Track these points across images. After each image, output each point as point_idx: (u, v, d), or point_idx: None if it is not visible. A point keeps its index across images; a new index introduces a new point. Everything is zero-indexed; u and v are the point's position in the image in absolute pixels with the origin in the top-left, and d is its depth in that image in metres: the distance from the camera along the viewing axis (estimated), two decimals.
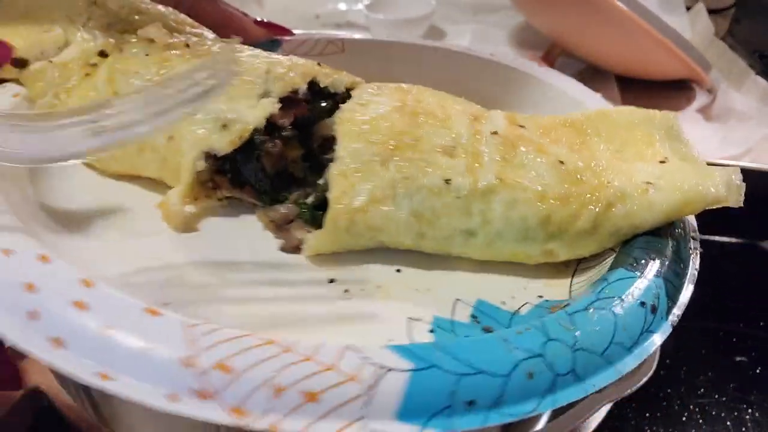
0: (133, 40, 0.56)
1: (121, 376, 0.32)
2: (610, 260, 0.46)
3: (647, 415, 0.53)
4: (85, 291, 0.35)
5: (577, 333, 0.37)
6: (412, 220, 0.45)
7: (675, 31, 0.95)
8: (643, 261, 0.43)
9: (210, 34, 0.60)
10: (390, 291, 0.45)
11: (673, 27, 0.95)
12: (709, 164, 0.50)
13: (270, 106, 0.50)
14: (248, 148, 0.50)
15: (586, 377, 0.36)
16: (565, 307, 0.41)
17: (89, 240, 0.47)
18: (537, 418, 0.54)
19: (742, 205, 0.45)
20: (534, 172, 0.46)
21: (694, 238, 0.47)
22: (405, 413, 0.32)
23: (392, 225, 0.45)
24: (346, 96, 0.53)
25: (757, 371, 0.57)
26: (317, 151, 0.53)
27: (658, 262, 0.43)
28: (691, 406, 0.54)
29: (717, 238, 0.75)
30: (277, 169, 0.52)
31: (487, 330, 0.42)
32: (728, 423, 0.52)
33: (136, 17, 0.60)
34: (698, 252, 0.46)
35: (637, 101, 1.03)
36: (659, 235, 0.46)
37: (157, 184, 0.53)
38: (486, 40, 1.21)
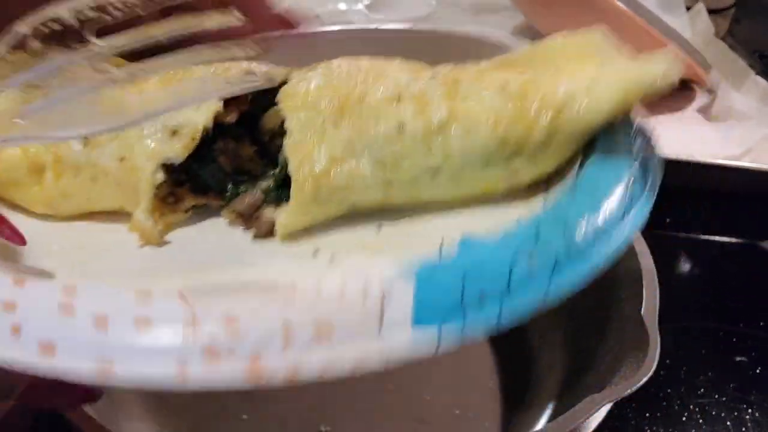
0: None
1: (124, 363, 0.32)
2: (575, 170, 0.46)
3: (647, 415, 0.53)
4: (68, 293, 0.34)
5: (566, 218, 0.38)
6: (376, 170, 0.46)
7: (675, 31, 0.95)
8: (606, 149, 0.44)
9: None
10: (375, 246, 0.45)
11: (673, 27, 0.95)
12: (676, 163, 0.52)
13: (214, 105, 0.49)
14: (202, 152, 0.49)
15: (585, 256, 0.37)
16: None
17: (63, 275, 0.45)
18: (536, 418, 0.54)
19: (676, 83, 0.46)
20: (481, 99, 0.46)
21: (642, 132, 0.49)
22: (420, 318, 0.33)
23: (358, 181, 0.46)
24: (283, 85, 0.53)
25: (757, 371, 0.57)
26: (269, 144, 0.53)
27: (622, 147, 0.44)
28: (691, 406, 0.54)
29: (717, 238, 0.75)
30: (234, 167, 0.52)
31: None
32: (728, 423, 0.52)
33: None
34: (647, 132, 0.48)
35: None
36: (616, 127, 0.47)
37: (117, 217, 0.52)
38: None
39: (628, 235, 0.39)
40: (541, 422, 0.53)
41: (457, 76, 0.49)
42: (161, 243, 0.49)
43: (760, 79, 1.02)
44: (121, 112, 0.49)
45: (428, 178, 0.47)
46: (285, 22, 0.65)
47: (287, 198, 0.47)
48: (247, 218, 0.50)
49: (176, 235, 0.52)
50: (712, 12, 1.20)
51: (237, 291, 0.34)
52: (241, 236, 0.50)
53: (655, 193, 0.42)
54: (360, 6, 1.22)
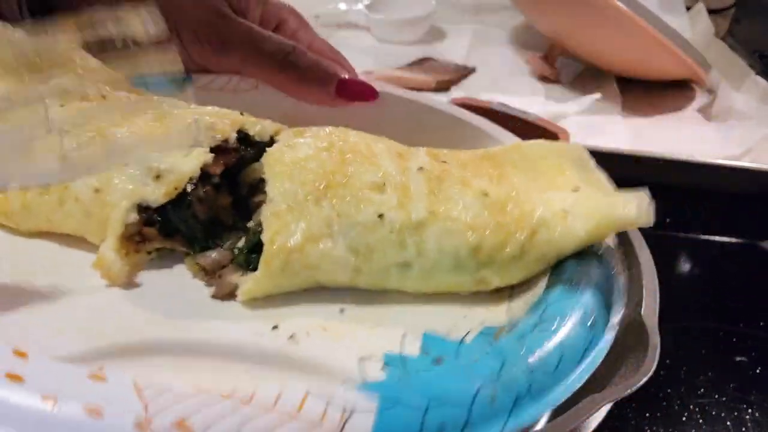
0: (47, 88, 0.53)
1: None
2: (542, 282, 0.48)
3: (647, 415, 0.53)
4: (19, 362, 0.33)
5: (530, 353, 0.39)
6: (348, 256, 0.46)
7: (675, 31, 0.95)
8: (575, 280, 0.46)
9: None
10: (336, 331, 0.45)
11: (673, 27, 0.95)
12: (676, 163, 0.53)
13: (203, 156, 0.49)
14: (179, 197, 0.49)
15: (544, 395, 0.38)
16: (507, 330, 0.43)
17: (15, 312, 0.45)
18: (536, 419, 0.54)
19: (652, 224, 0.47)
20: (461, 204, 0.47)
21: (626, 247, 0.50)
22: None
23: (328, 262, 0.46)
24: (270, 143, 0.53)
25: (757, 371, 0.57)
26: (245, 197, 0.53)
27: (590, 277, 0.46)
28: (691, 406, 0.54)
29: (717, 238, 0.75)
30: (208, 216, 0.51)
31: (438, 360, 0.43)
32: (728, 423, 0.52)
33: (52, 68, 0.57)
34: (639, 252, 0.49)
35: (637, 101, 1.04)
36: (588, 251, 0.48)
37: (72, 240, 0.51)
38: (486, 41, 1.21)
39: (585, 375, 0.40)
40: (541, 422, 0.53)
41: (441, 174, 0.50)
42: (125, 285, 0.48)
43: (760, 79, 1.02)
44: (104, 145, 0.49)
45: (397, 271, 0.47)
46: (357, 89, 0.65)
47: (254, 263, 0.47)
48: (210, 274, 0.49)
49: (135, 277, 0.50)
50: (712, 12, 1.21)
51: (193, 394, 0.33)
52: (201, 289, 0.49)
53: (614, 334, 0.43)
54: (360, 6, 1.22)
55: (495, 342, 0.42)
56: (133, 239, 0.50)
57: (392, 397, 0.34)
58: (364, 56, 1.13)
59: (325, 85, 0.62)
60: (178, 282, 0.50)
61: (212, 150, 0.50)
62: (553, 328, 0.41)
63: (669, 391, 0.55)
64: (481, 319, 0.47)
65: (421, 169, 0.50)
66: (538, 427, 0.52)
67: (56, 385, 0.32)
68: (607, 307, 0.45)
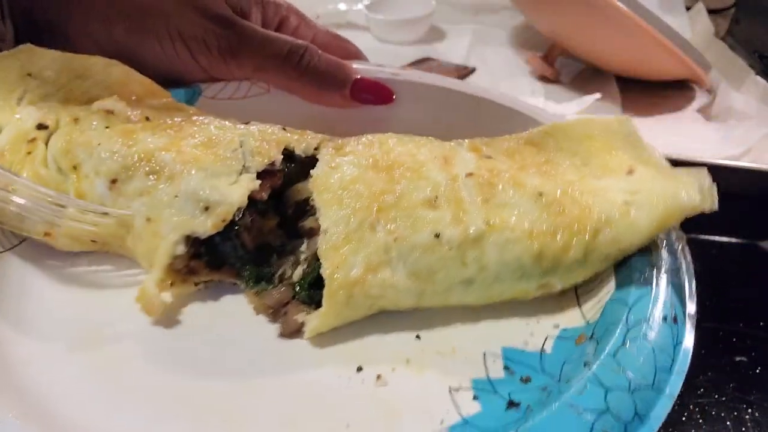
0: (91, 111, 0.53)
1: None
2: (611, 279, 0.47)
3: None
4: None
5: (628, 373, 0.38)
6: (410, 281, 0.45)
7: (675, 31, 0.95)
8: (647, 273, 0.44)
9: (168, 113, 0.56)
10: (420, 363, 0.44)
11: (673, 27, 0.95)
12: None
13: (251, 183, 0.48)
14: (227, 227, 0.48)
15: (648, 414, 0.37)
16: (590, 338, 0.42)
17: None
18: None
19: (716, 208, 0.46)
20: (517, 210, 0.46)
21: (674, 228, 0.49)
22: None
23: (391, 290, 0.45)
24: (314, 157, 0.52)
25: (757, 371, 0.57)
26: (292, 217, 0.52)
27: (660, 269, 0.45)
28: (691, 406, 0.54)
29: (717, 238, 0.75)
30: (257, 243, 0.50)
31: (526, 380, 0.43)
32: (728, 423, 0.52)
33: (78, 82, 0.57)
34: (685, 240, 0.48)
35: (637, 101, 1.04)
36: (651, 243, 0.47)
37: (124, 263, 0.50)
38: (486, 41, 1.21)
39: (680, 380, 0.39)
40: None
41: (491, 177, 0.48)
42: (162, 316, 0.47)
43: (760, 79, 1.02)
44: (151, 167, 0.48)
45: (461, 288, 0.47)
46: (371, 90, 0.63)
47: (317, 297, 0.46)
48: (275, 312, 0.48)
49: (189, 314, 0.48)
50: (712, 12, 1.20)
51: None
52: (263, 327, 0.47)
53: (694, 324, 0.42)
54: (360, 6, 1.22)
55: (578, 349, 0.42)
56: (181, 271, 0.49)
57: None
58: None
59: (339, 88, 0.61)
60: (234, 318, 0.48)
61: (259, 174, 0.49)
62: (641, 337, 0.40)
63: None
64: (554, 322, 0.47)
65: (470, 175, 0.48)
66: None
67: None
68: (681, 298, 0.44)
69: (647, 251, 0.47)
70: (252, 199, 0.49)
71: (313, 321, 0.45)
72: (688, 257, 0.47)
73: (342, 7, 1.29)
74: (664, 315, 0.41)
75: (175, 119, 0.54)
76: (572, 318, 0.47)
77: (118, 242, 0.50)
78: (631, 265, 0.46)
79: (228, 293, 0.50)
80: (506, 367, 0.44)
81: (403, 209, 0.46)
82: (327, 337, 0.46)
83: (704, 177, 0.47)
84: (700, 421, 0.53)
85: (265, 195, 0.50)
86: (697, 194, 0.46)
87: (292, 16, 0.70)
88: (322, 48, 0.63)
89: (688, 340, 0.41)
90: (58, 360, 0.44)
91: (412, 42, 1.19)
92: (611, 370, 0.38)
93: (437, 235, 0.45)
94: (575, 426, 0.36)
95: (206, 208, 0.47)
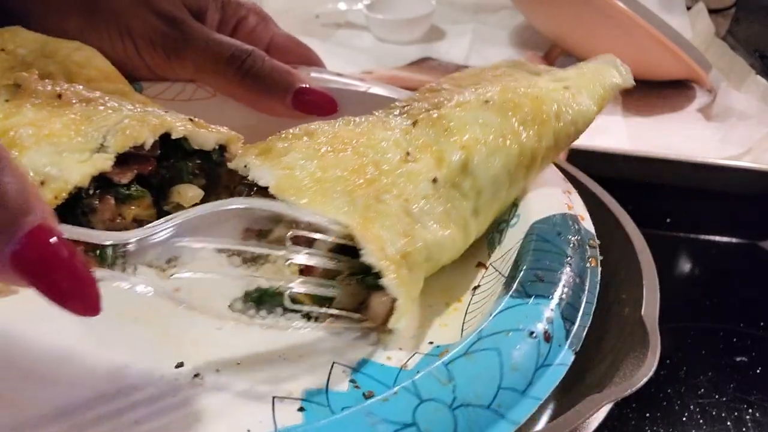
0: (4, 84, 0.52)
1: None
2: (496, 289, 0.43)
3: (647, 415, 0.53)
4: None
5: (455, 387, 0.32)
6: (440, 230, 0.44)
7: (675, 31, 0.95)
8: (530, 283, 0.39)
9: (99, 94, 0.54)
10: (252, 368, 0.40)
11: (673, 27, 0.95)
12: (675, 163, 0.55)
13: (102, 163, 0.45)
14: (71, 205, 0.45)
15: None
16: (451, 350, 0.36)
17: None
18: (536, 418, 0.54)
19: (633, 83, 0.55)
20: (477, 123, 0.47)
21: (592, 246, 0.45)
22: None
23: (435, 247, 0.44)
24: (219, 153, 0.50)
25: (757, 371, 0.57)
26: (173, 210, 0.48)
27: (548, 282, 0.40)
28: (691, 406, 0.54)
29: (717, 238, 0.75)
30: (111, 229, 0.47)
31: (369, 396, 0.38)
32: (728, 423, 0.52)
33: (42, 60, 0.57)
34: (598, 260, 0.44)
35: (637, 101, 1.04)
36: (550, 251, 0.43)
37: None
38: (486, 40, 1.21)
39: (527, 410, 0.33)
40: (541, 422, 0.53)
41: (434, 114, 0.49)
42: (9, 294, 0.43)
43: (760, 79, 1.02)
44: (5, 140, 0.45)
45: (473, 221, 0.46)
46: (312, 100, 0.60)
47: (372, 281, 0.41)
48: (355, 311, 0.43)
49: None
50: (712, 12, 1.20)
51: None
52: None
53: (575, 348, 0.37)
54: (360, 6, 1.22)
55: (421, 372, 0.35)
56: None
57: None
58: (364, 56, 1.13)
59: (281, 95, 0.59)
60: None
61: (124, 156, 0.46)
62: (491, 348, 0.34)
63: (669, 391, 0.55)
64: (431, 337, 0.43)
65: (416, 123, 0.48)
66: (538, 427, 0.51)
67: None
68: (568, 316, 0.38)
69: (543, 259, 0.42)
70: (108, 180, 0.46)
71: (401, 306, 0.41)
72: (596, 277, 0.43)
73: (342, 6, 1.29)
74: (531, 330, 0.36)
75: (86, 98, 0.52)
76: (450, 335, 0.43)
77: None
78: (515, 274, 0.41)
79: None
80: (352, 380, 0.39)
81: (391, 174, 0.45)
82: (162, 331, 0.42)
83: (614, 60, 0.55)
84: (701, 421, 0.53)
85: (124, 179, 0.47)
86: (618, 75, 0.54)
87: (251, 16, 0.68)
88: (278, 51, 0.62)
89: (560, 363, 0.36)
90: None
91: (412, 42, 1.19)
92: (436, 380, 0.33)
93: (434, 180, 0.45)
94: None
95: (42, 183, 0.44)
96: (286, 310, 0.43)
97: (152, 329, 0.43)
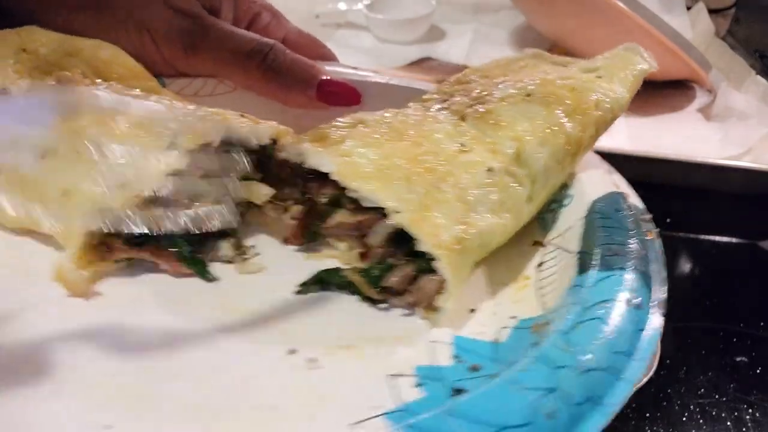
0: (44, 82, 0.53)
1: None
2: (571, 269, 0.45)
3: (647, 415, 0.53)
4: None
5: (579, 354, 0.35)
6: (493, 218, 0.45)
7: (675, 31, 0.95)
8: (608, 257, 0.43)
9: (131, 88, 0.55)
10: (359, 349, 0.42)
11: (673, 27, 0.95)
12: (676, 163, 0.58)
13: (175, 161, 0.46)
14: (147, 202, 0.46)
15: (602, 398, 0.34)
16: (546, 324, 0.40)
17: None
18: None
19: (657, 66, 0.57)
20: (523, 117, 0.50)
21: (645, 220, 0.49)
22: None
23: (488, 235, 0.45)
24: (271, 147, 0.51)
25: (757, 371, 0.57)
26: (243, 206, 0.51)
27: (622, 255, 0.43)
28: (691, 406, 0.54)
29: (717, 238, 0.75)
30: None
31: (475, 368, 0.40)
32: (728, 423, 0.52)
33: (68, 59, 0.57)
34: (656, 233, 0.48)
35: (637, 101, 1.03)
36: (615, 227, 0.47)
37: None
38: (486, 40, 1.21)
39: (641, 367, 0.36)
40: None
41: (480, 108, 0.51)
42: (89, 295, 0.45)
43: (760, 79, 1.02)
44: (76, 142, 0.47)
45: (527, 207, 0.49)
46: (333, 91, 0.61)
47: (425, 264, 0.44)
48: (400, 293, 0.46)
49: (110, 294, 0.45)
50: (712, 12, 1.20)
51: None
52: (189, 309, 0.44)
53: (663, 313, 0.40)
54: (360, 6, 1.22)
55: (534, 336, 0.39)
56: (99, 249, 0.47)
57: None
58: (364, 56, 1.13)
59: (304, 88, 0.59)
60: (154, 296, 0.45)
61: (192, 153, 0.47)
62: (597, 316, 0.38)
63: (669, 391, 0.55)
64: (511, 312, 0.45)
65: (463, 117, 0.51)
66: None
67: None
68: (648, 285, 0.42)
69: (612, 235, 0.46)
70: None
71: (451, 285, 0.43)
72: (658, 246, 0.46)
73: (342, 6, 1.29)
74: (627, 299, 0.39)
75: (132, 96, 0.53)
76: (530, 308, 0.45)
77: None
78: (593, 251, 0.45)
79: (149, 272, 0.48)
80: (455, 356, 0.42)
81: (448, 163, 0.47)
82: (262, 319, 0.44)
83: (636, 47, 0.57)
84: (701, 421, 0.53)
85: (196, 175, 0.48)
86: (643, 61, 0.56)
87: (264, 13, 0.69)
88: (292, 47, 0.62)
89: (653, 327, 0.39)
90: None
91: (412, 42, 1.19)
92: (560, 349, 0.36)
93: (490, 169, 0.47)
94: (515, 403, 0.32)
95: (122, 184, 0.45)
96: (343, 290, 0.47)
97: (245, 319, 0.45)
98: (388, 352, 0.42)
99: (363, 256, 0.49)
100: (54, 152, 0.48)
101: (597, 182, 0.53)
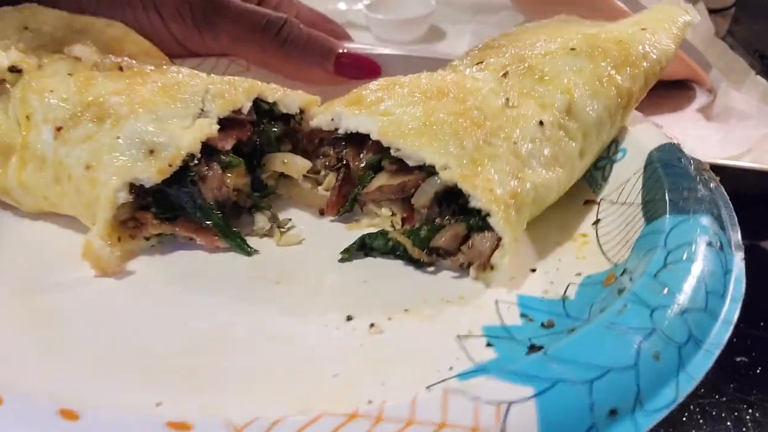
0: (58, 58, 0.51)
1: None
2: (630, 216, 0.45)
3: None
4: (71, 426, 0.28)
5: (672, 294, 0.34)
6: (547, 173, 0.44)
7: None
8: (681, 202, 0.42)
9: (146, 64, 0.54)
10: (421, 312, 0.41)
11: None
12: None
13: (207, 128, 0.44)
14: (180, 175, 0.44)
15: (704, 339, 0.33)
16: (620, 276, 0.39)
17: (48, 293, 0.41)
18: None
19: (699, 18, 0.57)
20: (569, 70, 0.49)
21: (705, 169, 0.49)
22: None
23: (542, 188, 0.44)
24: (299, 118, 0.49)
25: (757, 371, 0.57)
26: (267, 182, 0.49)
27: (693, 199, 0.42)
28: (691, 406, 0.54)
29: None
30: (218, 198, 0.45)
31: (549, 325, 0.39)
32: (728, 423, 0.52)
33: (75, 36, 0.55)
34: (717, 180, 0.47)
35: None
36: (680, 174, 0.46)
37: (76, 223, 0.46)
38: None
39: (737, 306, 0.36)
40: None
41: (522, 64, 0.50)
42: (120, 273, 0.43)
43: (760, 79, 1.02)
44: (97, 111, 0.45)
45: (579, 162, 0.48)
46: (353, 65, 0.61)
47: (477, 224, 0.43)
48: (451, 253, 0.44)
49: (146, 270, 0.44)
50: (712, 12, 1.20)
51: (310, 422, 0.27)
52: (235, 279, 0.43)
53: (743, 253, 0.39)
54: (360, 6, 1.22)
55: (606, 290, 0.37)
56: (127, 223, 0.44)
57: (548, 375, 0.29)
58: None
59: (322, 62, 0.58)
60: (198, 274, 0.43)
61: (223, 121, 0.45)
62: (684, 258, 0.36)
63: None
64: (576, 271, 0.44)
65: (506, 74, 0.49)
66: None
67: None
68: (723, 227, 0.41)
69: (678, 182, 0.45)
70: (213, 147, 0.45)
71: (507, 243, 0.42)
72: (723, 193, 0.45)
73: (342, 6, 1.29)
74: (708, 241, 0.38)
75: (149, 68, 0.51)
76: (595, 264, 0.44)
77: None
78: (663, 198, 0.43)
79: (182, 249, 0.46)
80: (523, 315, 0.40)
81: (496, 118, 0.45)
82: (310, 289, 0.43)
83: (676, 3, 0.60)
84: (701, 421, 0.53)
85: (227, 145, 0.45)
86: (684, 13, 0.56)
87: None
88: (305, 24, 0.61)
89: (738, 268, 0.38)
90: None
91: (411, 42, 1.18)
92: (653, 290, 0.34)
93: (541, 123, 0.45)
94: (618, 345, 0.31)
95: (151, 152, 0.43)
96: (387, 255, 0.46)
97: (292, 290, 0.43)
98: (451, 313, 0.41)
99: (405, 221, 0.47)
100: (71, 125, 0.45)
101: (650, 134, 0.52)
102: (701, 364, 0.32)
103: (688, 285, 0.35)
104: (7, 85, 0.50)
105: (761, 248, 0.74)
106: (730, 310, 0.35)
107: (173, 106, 0.45)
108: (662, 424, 0.53)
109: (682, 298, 0.34)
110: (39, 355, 0.36)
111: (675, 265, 0.36)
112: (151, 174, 0.42)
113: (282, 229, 0.49)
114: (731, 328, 0.34)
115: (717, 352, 0.33)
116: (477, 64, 0.53)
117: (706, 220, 0.40)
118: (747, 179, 0.76)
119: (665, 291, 0.34)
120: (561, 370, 0.29)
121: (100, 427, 0.27)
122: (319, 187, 0.51)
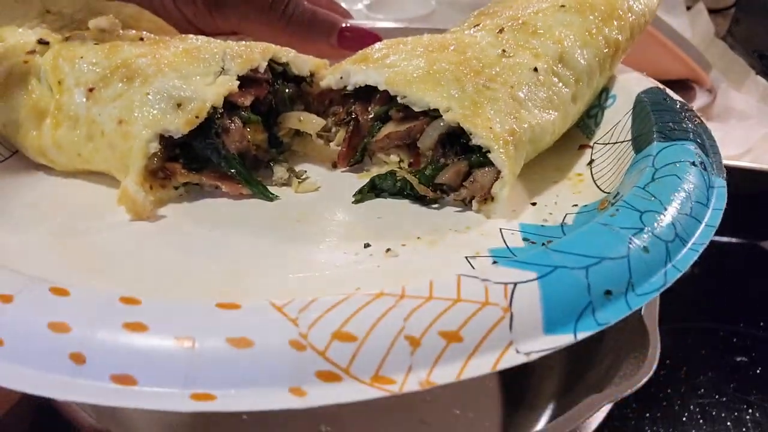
0: (84, 31, 0.54)
1: (226, 389, 0.28)
2: (621, 152, 0.48)
3: (647, 415, 0.53)
4: (132, 310, 0.30)
5: (661, 201, 0.38)
6: (543, 114, 0.47)
7: (675, 31, 0.94)
8: (668, 131, 0.46)
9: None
10: (431, 239, 0.44)
11: (673, 27, 0.95)
12: None
13: (229, 83, 0.48)
14: (204, 128, 0.47)
15: (689, 239, 0.37)
16: (615, 196, 0.42)
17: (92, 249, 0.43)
18: (536, 418, 0.54)
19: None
20: (560, 24, 0.52)
21: (690, 109, 0.53)
22: (551, 324, 0.31)
23: (538, 128, 0.47)
24: (310, 80, 0.53)
25: (757, 371, 0.57)
26: (278, 137, 0.53)
27: (680, 129, 0.47)
28: (691, 406, 0.54)
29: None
30: (240, 150, 0.49)
31: (548, 244, 0.40)
32: (728, 423, 0.52)
33: (94, 17, 0.57)
34: (702, 119, 0.51)
35: None
36: (666, 110, 0.50)
37: (109, 181, 0.50)
38: None
39: (717, 216, 0.39)
40: (541, 422, 0.53)
41: (517, 21, 0.53)
42: (153, 218, 0.46)
43: (760, 79, 1.02)
44: (126, 72, 0.49)
45: (572, 107, 0.51)
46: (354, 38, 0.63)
47: (479, 160, 0.46)
48: (454, 188, 0.48)
49: (178, 212, 0.46)
50: (712, 12, 1.20)
51: (343, 302, 0.29)
52: (260, 217, 0.46)
53: (725, 177, 0.42)
54: (360, 6, 1.22)
55: (602, 212, 0.41)
56: (157, 173, 0.48)
57: (549, 262, 0.32)
58: None
59: (326, 36, 0.61)
60: (228, 212, 0.47)
61: (241, 80, 0.49)
62: (670, 174, 0.40)
63: (669, 391, 0.55)
64: (572, 202, 0.47)
65: (501, 30, 0.53)
66: (539, 426, 0.51)
67: (184, 324, 0.29)
68: (706, 153, 0.44)
69: (664, 119, 0.48)
70: (232, 103, 0.49)
71: (506, 176, 0.45)
72: (708, 128, 0.50)
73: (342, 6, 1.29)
74: (692, 161, 0.42)
75: (167, 38, 0.54)
76: (591, 196, 0.47)
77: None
78: (650, 130, 0.47)
79: (208, 197, 0.49)
80: (525, 239, 0.43)
81: (494, 66, 0.49)
82: (327, 223, 0.46)
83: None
84: (701, 421, 0.53)
85: (246, 101, 0.49)
86: None
87: None
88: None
89: (719, 185, 0.41)
90: (39, 246, 0.43)
91: None
92: (642, 198, 0.38)
93: (535, 69, 0.49)
94: (611, 240, 0.34)
95: (178, 105, 0.47)
96: (396, 195, 0.49)
97: (313, 226, 0.46)
98: (459, 239, 0.44)
99: (412, 166, 0.50)
100: (102, 86, 0.49)
101: (637, 81, 0.56)
102: (686, 258, 0.36)
103: (675, 194, 0.39)
104: (37, 56, 0.53)
105: (761, 248, 0.74)
106: (713, 216, 0.39)
107: (196, 66, 0.49)
108: (662, 423, 0.53)
109: (669, 204, 0.38)
110: (84, 283, 0.37)
111: (662, 179, 0.40)
112: (179, 125, 0.46)
113: (299, 179, 0.53)
114: (713, 231, 0.38)
115: (700, 251, 0.37)
116: (474, 26, 0.56)
117: (691, 146, 0.44)
118: (747, 179, 0.76)
119: (653, 198, 0.38)
120: (560, 258, 0.33)
121: (159, 307, 0.30)
122: (331, 144, 0.54)
